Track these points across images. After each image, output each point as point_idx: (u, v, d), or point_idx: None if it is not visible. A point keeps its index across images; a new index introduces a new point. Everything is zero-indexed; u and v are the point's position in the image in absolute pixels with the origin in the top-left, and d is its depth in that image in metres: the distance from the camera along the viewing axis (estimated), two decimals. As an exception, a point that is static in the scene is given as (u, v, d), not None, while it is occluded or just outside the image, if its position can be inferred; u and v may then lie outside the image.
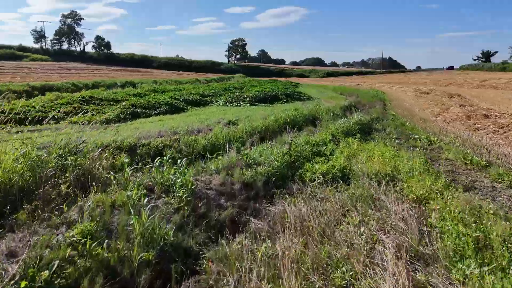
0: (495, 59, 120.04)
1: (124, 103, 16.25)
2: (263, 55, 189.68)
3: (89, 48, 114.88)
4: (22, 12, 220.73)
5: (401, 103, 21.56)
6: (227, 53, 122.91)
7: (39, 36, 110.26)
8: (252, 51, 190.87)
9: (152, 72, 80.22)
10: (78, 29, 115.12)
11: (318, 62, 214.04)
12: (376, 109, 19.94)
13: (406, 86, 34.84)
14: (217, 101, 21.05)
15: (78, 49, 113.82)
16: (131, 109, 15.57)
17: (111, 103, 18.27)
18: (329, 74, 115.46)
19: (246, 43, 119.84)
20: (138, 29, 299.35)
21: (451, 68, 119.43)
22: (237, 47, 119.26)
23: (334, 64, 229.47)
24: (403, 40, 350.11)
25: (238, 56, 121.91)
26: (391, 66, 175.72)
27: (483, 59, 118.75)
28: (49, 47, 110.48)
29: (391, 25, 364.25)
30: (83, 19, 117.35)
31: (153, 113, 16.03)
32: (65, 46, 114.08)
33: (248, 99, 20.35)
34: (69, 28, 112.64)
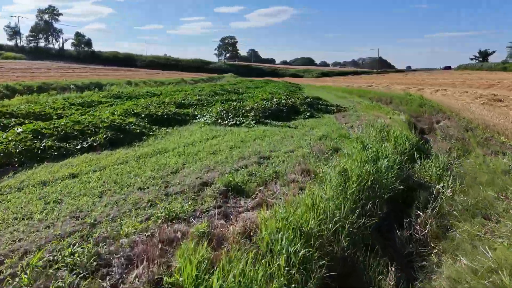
0: (492, 59, 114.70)
1: (19, 130, 8.27)
2: (254, 55, 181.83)
3: (69, 46, 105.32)
4: (6, 10, 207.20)
5: (477, 118, 13.99)
6: (216, 52, 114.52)
7: (14, 32, 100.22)
8: (242, 51, 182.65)
9: (135, 72, 71.83)
10: (56, 25, 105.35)
11: (309, 62, 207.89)
12: (456, 130, 12.34)
13: (441, 88, 27.43)
14: (204, 115, 13.18)
15: (56, 46, 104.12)
16: (28, 143, 7.63)
17: (28, 120, 10.31)
18: (324, 74, 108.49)
19: (236, 41, 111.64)
20: (127, 28, 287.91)
21: (448, 67, 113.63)
22: (227, 45, 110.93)
23: (324, 64, 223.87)
24: (392, 40, 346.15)
25: (228, 55, 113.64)
26: (382, 65, 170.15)
27: (480, 59, 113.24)
28: (25, 45, 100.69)
29: (380, 25, 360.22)
30: (61, 14, 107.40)
31: (79, 147, 8.12)
32: (42, 43, 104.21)
33: (253, 112, 12.47)
34: (47, 24, 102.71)
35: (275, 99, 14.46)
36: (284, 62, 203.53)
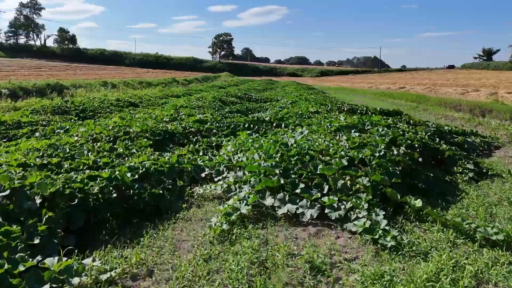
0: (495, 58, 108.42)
1: None
2: (248, 53, 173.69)
3: (52, 43, 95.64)
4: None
5: None
6: (211, 50, 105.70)
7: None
8: (236, 49, 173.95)
9: (121, 70, 63.39)
10: (38, 20, 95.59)
11: (304, 61, 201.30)
12: None
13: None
14: (215, 177, 5.24)
15: (37, 43, 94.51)
16: None
17: None
18: (324, 73, 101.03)
19: (232, 38, 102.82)
20: (118, 27, 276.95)
21: (452, 66, 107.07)
22: (222, 42, 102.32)
23: (319, 63, 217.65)
24: (385, 40, 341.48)
25: (223, 53, 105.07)
26: (377, 65, 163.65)
27: (485, 58, 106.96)
28: (3, 41, 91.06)
29: (371, 25, 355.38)
30: (43, 9, 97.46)
31: None
32: (22, 40, 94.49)
33: (368, 181, 4.44)
34: (27, 19, 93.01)
35: (380, 130, 6.25)
36: (278, 61, 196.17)
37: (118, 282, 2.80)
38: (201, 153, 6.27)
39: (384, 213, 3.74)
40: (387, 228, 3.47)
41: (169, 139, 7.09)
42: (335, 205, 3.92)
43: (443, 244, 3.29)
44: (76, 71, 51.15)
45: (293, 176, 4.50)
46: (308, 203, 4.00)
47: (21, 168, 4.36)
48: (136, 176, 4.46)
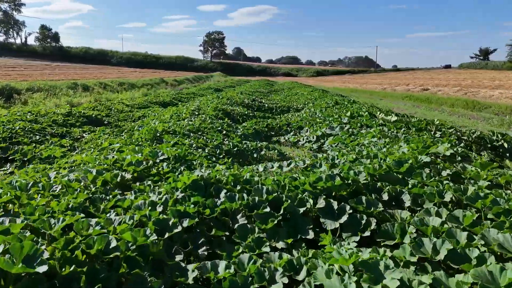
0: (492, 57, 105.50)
1: None
2: (239, 53, 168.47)
3: (34, 41, 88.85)
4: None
5: None
6: (202, 48, 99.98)
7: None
8: (227, 49, 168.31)
9: (106, 70, 57.87)
10: (18, 17, 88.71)
11: (295, 60, 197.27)
12: None
13: None
14: None
15: (18, 41, 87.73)
16: None
17: None
18: (319, 73, 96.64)
19: (224, 37, 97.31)
20: (107, 26, 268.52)
21: (449, 66, 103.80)
22: (214, 41, 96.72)
23: (310, 62, 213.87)
24: (375, 40, 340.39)
25: (214, 52, 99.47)
26: (369, 64, 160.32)
27: (481, 58, 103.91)
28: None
29: (363, 25, 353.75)
30: (24, 5, 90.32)
31: None
32: (1, 37, 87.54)
33: None
34: (6, 15, 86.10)
35: None
36: (270, 61, 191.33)
37: None
38: None
39: None
40: None
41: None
42: None
43: None
44: (54, 71, 45.40)
45: None
46: None
47: None
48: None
